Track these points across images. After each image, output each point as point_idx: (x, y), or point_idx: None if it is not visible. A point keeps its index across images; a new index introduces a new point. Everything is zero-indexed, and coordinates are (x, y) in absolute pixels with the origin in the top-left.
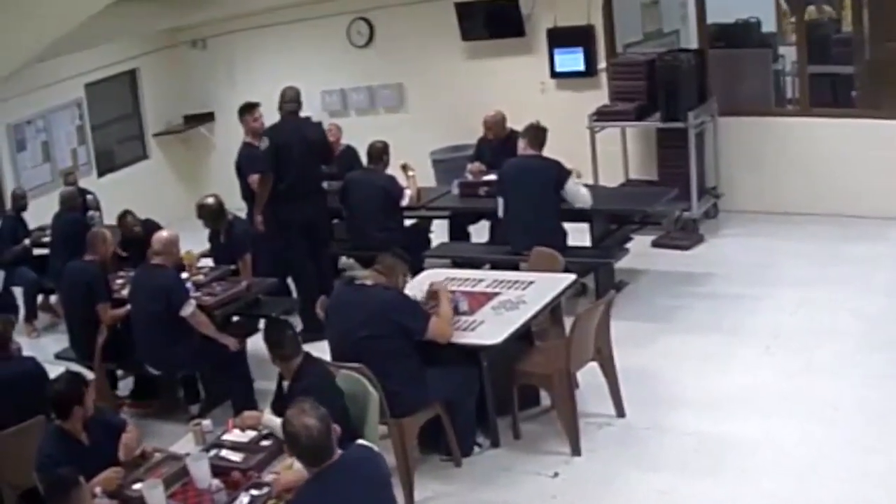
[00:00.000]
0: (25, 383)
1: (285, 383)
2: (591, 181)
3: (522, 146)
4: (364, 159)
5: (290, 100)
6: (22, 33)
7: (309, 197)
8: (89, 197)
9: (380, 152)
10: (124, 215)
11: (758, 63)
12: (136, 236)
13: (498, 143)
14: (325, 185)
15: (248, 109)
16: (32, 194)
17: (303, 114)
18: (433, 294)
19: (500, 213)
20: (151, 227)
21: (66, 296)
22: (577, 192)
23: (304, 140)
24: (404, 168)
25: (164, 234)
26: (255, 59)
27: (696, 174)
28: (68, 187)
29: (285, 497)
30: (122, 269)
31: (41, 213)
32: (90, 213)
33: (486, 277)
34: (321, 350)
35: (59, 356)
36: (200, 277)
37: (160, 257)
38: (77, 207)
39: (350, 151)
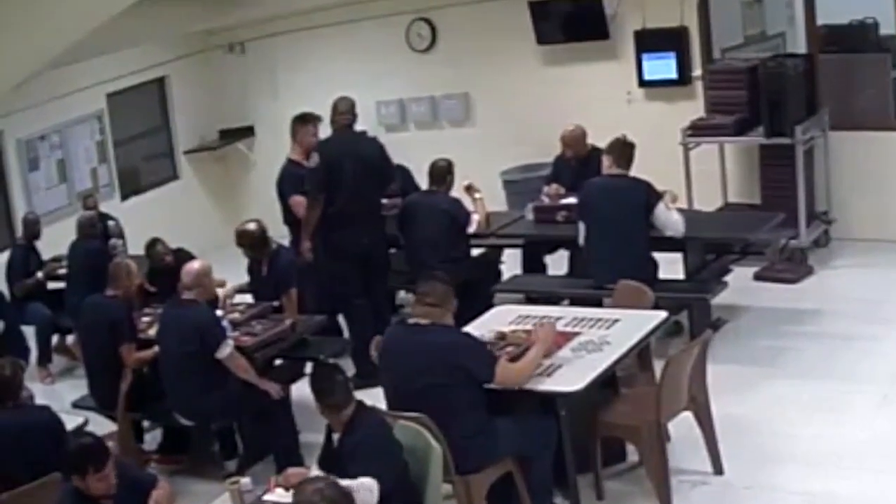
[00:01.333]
0: (39, 436)
1: (335, 436)
2: (684, 205)
3: (607, 164)
4: (421, 180)
5: (344, 111)
6: (34, 36)
7: (364, 222)
8: (111, 223)
9: (443, 172)
10: (153, 244)
11: (875, 70)
12: (166, 268)
13: (578, 162)
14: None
15: (308, 120)
16: (46, 220)
17: (358, 128)
18: (503, 335)
19: (581, 240)
20: (183, 257)
21: (86, 336)
22: (669, 217)
23: (358, 157)
24: (469, 189)
25: (194, 265)
26: (301, 66)
27: (804, 197)
28: (87, 212)
29: None
30: (149, 305)
31: (56, 241)
32: (112, 241)
33: (564, 315)
34: (375, 398)
35: (76, 405)
36: (236, 315)
37: (191, 292)
38: (97, 235)
39: (401, 172)
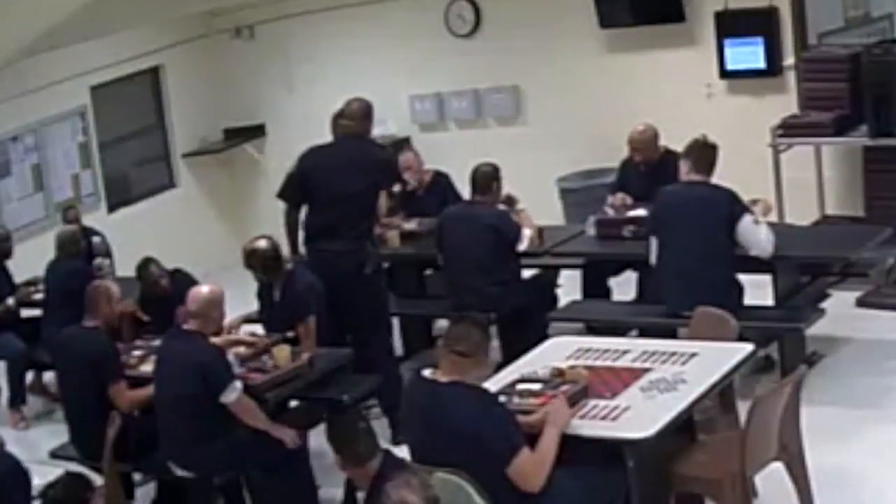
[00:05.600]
0: (2, 489)
1: (360, 494)
2: (774, 217)
3: (685, 170)
4: (462, 189)
5: (351, 116)
6: (4, 19)
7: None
8: (96, 239)
9: (488, 179)
10: (145, 264)
11: None
12: (161, 293)
13: (648, 168)
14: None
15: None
16: (19, 236)
17: (380, 130)
18: (560, 371)
19: (653, 258)
20: (181, 280)
21: (64, 374)
22: (755, 234)
23: (342, 170)
24: (509, 201)
25: (203, 289)
26: (320, 54)
27: None
28: (68, 226)
29: None
30: (141, 336)
31: (31, 261)
32: (97, 261)
33: (632, 348)
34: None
35: (55, 454)
36: (242, 349)
37: (194, 322)
38: (79, 253)
39: (441, 181)
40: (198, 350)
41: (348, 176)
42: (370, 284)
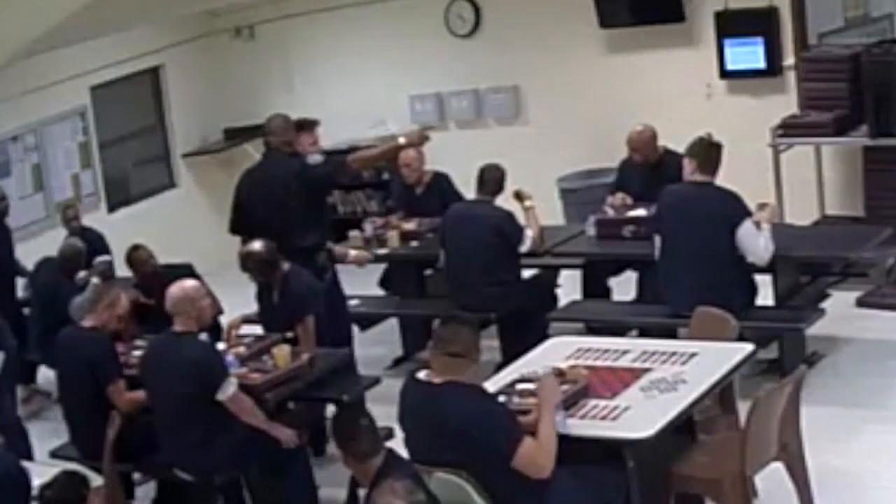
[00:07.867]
0: (1, 490)
1: (361, 491)
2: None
3: (690, 169)
4: (463, 189)
5: (270, 132)
6: (4, 19)
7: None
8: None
9: (497, 180)
10: (134, 249)
11: None
12: (154, 271)
13: (647, 168)
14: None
15: (304, 128)
16: (19, 236)
17: (379, 131)
18: (560, 371)
19: (657, 255)
20: (175, 274)
21: (65, 373)
22: (754, 241)
23: (273, 187)
24: (519, 196)
25: (174, 289)
26: (320, 54)
27: None
28: (71, 242)
29: None
30: (141, 336)
31: (31, 261)
32: (100, 258)
33: (632, 348)
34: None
35: (55, 454)
36: (242, 349)
37: (179, 318)
38: (80, 266)
39: (440, 181)
40: (189, 349)
41: (280, 193)
42: (327, 294)
